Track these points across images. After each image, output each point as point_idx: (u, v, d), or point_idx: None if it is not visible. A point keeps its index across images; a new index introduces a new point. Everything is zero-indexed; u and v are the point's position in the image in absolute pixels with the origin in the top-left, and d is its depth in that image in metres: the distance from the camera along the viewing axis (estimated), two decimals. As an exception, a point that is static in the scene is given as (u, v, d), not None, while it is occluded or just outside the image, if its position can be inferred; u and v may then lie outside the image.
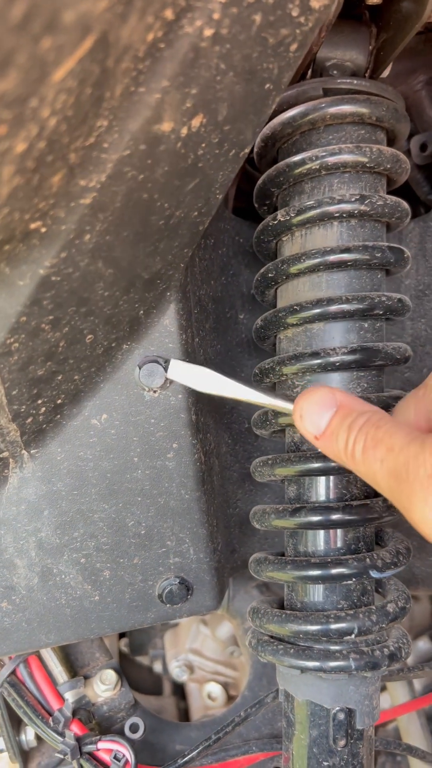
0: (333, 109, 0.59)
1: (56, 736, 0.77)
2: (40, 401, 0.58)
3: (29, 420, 0.59)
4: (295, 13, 0.41)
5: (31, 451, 0.62)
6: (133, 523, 0.68)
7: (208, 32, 0.39)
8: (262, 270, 0.66)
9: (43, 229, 0.43)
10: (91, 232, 0.45)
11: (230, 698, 1.14)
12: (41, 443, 0.63)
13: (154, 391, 0.63)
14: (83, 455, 0.64)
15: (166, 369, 0.61)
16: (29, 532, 0.66)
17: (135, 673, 1.25)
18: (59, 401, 0.60)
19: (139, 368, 0.61)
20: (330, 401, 0.52)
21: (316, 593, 0.62)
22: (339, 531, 0.61)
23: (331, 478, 0.61)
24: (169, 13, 0.37)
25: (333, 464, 0.58)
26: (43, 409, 0.59)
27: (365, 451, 0.47)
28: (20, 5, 0.28)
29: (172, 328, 0.61)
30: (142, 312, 0.58)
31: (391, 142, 0.65)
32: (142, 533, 0.69)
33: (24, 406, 0.57)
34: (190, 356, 0.65)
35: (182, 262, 0.57)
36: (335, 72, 0.64)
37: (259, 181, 0.66)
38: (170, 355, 0.62)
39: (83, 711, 0.81)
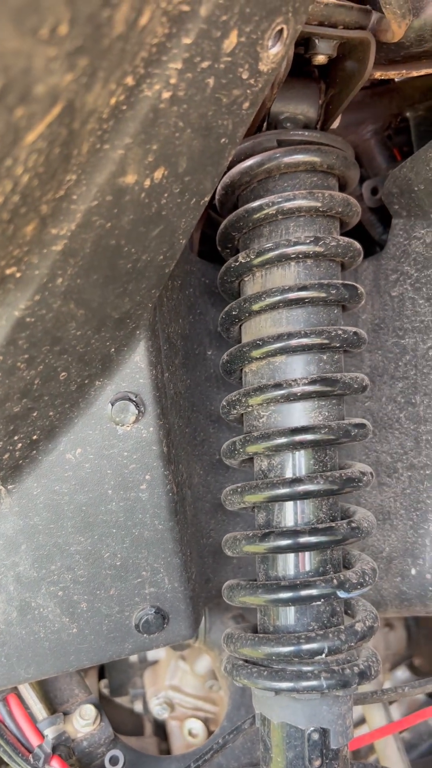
0: (287, 159, 0.64)
1: (37, 773, 0.77)
2: (16, 437, 0.60)
3: (6, 456, 0.61)
4: (245, 76, 0.46)
5: (8, 487, 0.64)
6: (109, 555, 0.70)
7: (166, 95, 0.43)
8: (226, 308, 0.69)
9: (18, 274, 0.46)
10: (62, 276, 0.48)
11: (211, 734, 1.14)
12: (18, 479, 0.64)
13: (127, 425, 0.66)
14: (59, 489, 0.66)
15: (137, 405, 0.64)
16: (7, 567, 0.67)
17: (116, 715, 1.24)
18: (35, 437, 0.62)
19: (112, 405, 0.64)
20: None
21: (288, 616, 0.64)
22: (307, 554, 0.64)
23: (298, 503, 0.64)
24: (129, 80, 0.41)
25: (299, 489, 0.61)
26: (20, 445, 0.61)
27: None
28: None
29: (143, 365, 0.64)
30: (113, 350, 0.61)
31: (342, 188, 0.70)
32: (117, 564, 0.70)
33: (1, 443, 0.59)
34: (160, 391, 0.67)
35: (150, 302, 0.60)
36: (288, 124, 0.69)
37: (221, 226, 0.70)
38: (141, 390, 0.65)
39: (63, 747, 0.80)
